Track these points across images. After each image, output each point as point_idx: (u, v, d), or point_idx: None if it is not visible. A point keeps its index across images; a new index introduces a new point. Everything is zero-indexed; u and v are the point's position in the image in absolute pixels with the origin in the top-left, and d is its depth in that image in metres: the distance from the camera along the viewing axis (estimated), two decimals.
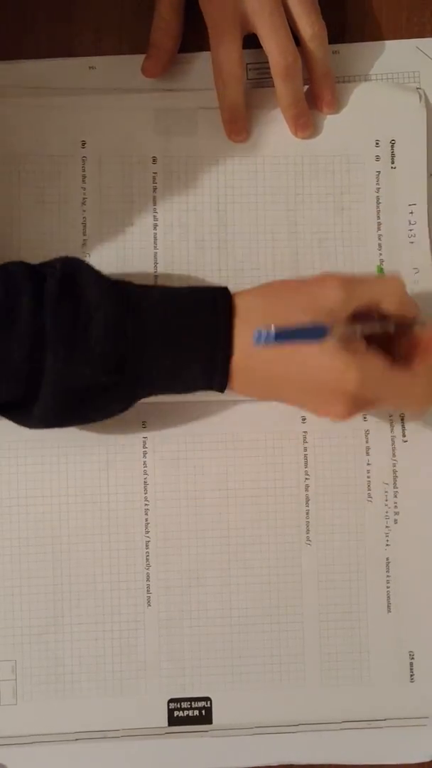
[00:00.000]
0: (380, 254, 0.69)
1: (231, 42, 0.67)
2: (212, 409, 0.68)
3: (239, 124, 0.69)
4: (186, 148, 0.69)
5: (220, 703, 0.67)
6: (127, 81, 0.70)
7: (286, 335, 0.55)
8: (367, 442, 0.68)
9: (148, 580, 0.66)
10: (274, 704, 0.67)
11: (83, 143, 0.69)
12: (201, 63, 0.70)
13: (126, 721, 0.66)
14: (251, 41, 0.68)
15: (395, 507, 0.67)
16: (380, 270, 0.69)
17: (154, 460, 0.67)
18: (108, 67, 0.70)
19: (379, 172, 0.70)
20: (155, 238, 0.69)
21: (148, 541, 0.66)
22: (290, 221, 0.69)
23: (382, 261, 0.70)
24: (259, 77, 0.70)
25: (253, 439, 0.68)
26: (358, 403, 0.60)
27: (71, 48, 0.71)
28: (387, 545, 0.67)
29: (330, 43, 0.69)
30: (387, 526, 0.67)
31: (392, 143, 0.70)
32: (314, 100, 0.69)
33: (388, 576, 0.67)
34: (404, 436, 0.68)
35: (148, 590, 0.66)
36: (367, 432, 0.68)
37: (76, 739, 0.66)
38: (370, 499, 0.67)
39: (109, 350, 0.59)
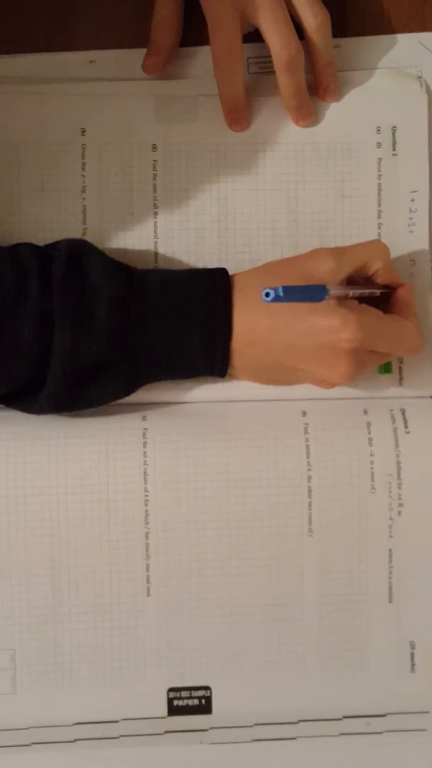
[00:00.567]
0: None
1: (230, 32, 0.66)
2: (213, 405, 0.69)
3: (239, 115, 0.69)
4: (186, 135, 0.69)
5: (219, 692, 0.66)
6: (127, 75, 0.70)
7: (291, 294, 0.59)
8: (369, 433, 0.68)
9: (147, 570, 0.66)
10: (274, 694, 0.67)
11: (83, 131, 0.69)
12: (201, 56, 0.70)
13: (125, 711, 0.66)
14: (252, 35, 0.68)
15: (399, 498, 0.67)
16: None
17: (155, 450, 0.66)
18: (108, 62, 0.70)
19: (380, 158, 0.70)
20: (155, 226, 0.69)
21: (148, 532, 0.66)
22: (291, 209, 0.69)
23: None
24: (261, 71, 0.70)
25: (254, 431, 0.67)
26: (358, 357, 0.64)
27: (71, 44, 0.71)
28: (390, 536, 0.67)
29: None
30: (391, 518, 0.67)
31: (393, 130, 0.70)
32: (316, 89, 0.69)
33: (390, 567, 0.67)
34: (406, 427, 0.68)
35: (147, 580, 0.66)
36: (369, 424, 0.68)
37: (75, 740, 0.66)
38: (373, 490, 0.67)
39: (113, 327, 0.63)
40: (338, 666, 0.67)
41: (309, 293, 0.61)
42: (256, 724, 0.67)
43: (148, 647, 0.66)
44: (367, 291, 0.66)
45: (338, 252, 0.65)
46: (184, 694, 0.66)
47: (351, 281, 0.66)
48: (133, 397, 0.67)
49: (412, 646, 0.67)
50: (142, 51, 0.69)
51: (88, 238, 0.68)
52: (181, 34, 0.70)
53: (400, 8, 0.72)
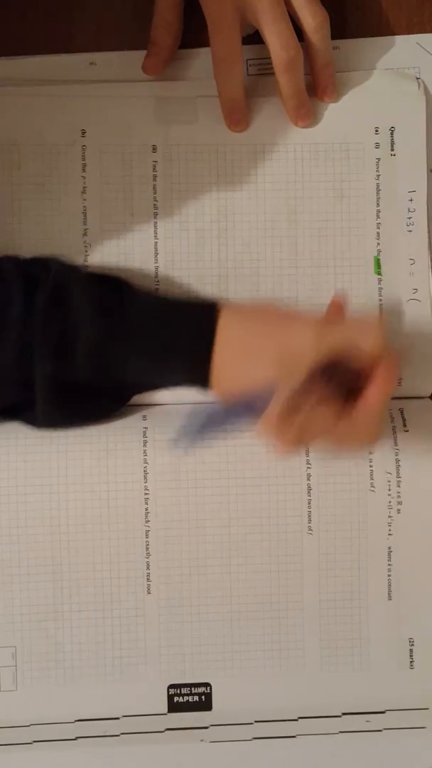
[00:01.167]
0: (378, 243, 0.70)
1: (230, 34, 0.67)
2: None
3: (239, 115, 0.69)
4: (186, 136, 0.69)
5: (219, 688, 0.67)
6: (128, 77, 0.70)
7: (211, 427, 0.59)
8: None
9: (148, 568, 0.66)
10: (274, 690, 0.67)
11: (83, 132, 0.69)
12: (201, 57, 0.70)
13: (126, 708, 0.67)
14: (251, 37, 0.68)
15: (398, 497, 0.67)
16: (377, 262, 0.70)
17: (155, 449, 0.66)
18: (108, 63, 0.70)
19: (378, 159, 0.70)
20: (155, 227, 0.69)
21: (148, 530, 0.66)
22: (290, 209, 0.70)
23: (379, 251, 0.70)
24: (260, 73, 0.70)
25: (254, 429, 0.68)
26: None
27: (72, 45, 0.71)
28: (389, 534, 0.67)
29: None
30: (390, 516, 0.67)
31: (392, 130, 0.70)
32: (315, 89, 0.70)
33: (389, 564, 0.67)
34: (405, 426, 0.68)
35: (148, 578, 0.66)
36: None
37: (77, 737, 0.66)
38: (372, 488, 0.67)
39: (93, 363, 0.63)
40: (338, 663, 0.67)
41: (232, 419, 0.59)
42: (256, 721, 0.67)
43: (148, 644, 0.66)
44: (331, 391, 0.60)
45: (323, 329, 0.61)
46: (185, 690, 0.67)
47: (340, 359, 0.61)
48: (133, 398, 0.68)
49: (411, 643, 0.67)
50: (143, 52, 0.69)
51: (88, 238, 0.69)
52: (181, 35, 0.70)
53: (399, 10, 0.72)
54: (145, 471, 0.66)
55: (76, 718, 0.66)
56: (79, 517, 0.66)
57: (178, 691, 0.67)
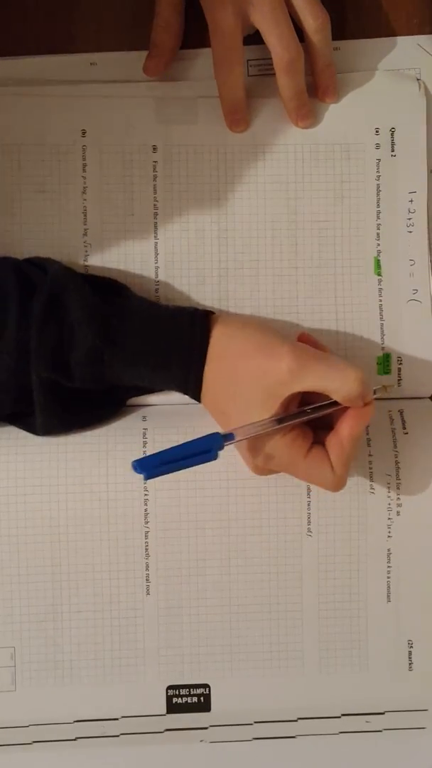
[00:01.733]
0: (378, 244, 0.70)
1: (231, 35, 0.66)
2: None
3: (239, 116, 0.69)
4: (186, 136, 0.69)
5: (218, 690, 0.67)
6: (128, 77, 0.70)
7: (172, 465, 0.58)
8: (367, 434, 0.68)
9: (147, 569, 0.66)
10: (273, 692, 0.67)
11: (83, 132, 0.69)
12: (202, 58, 0.70)
13: (125, 709, 0.67)
14: (251, 38, 0.68)
15: (398, 499, 0.67)
16: (377, 262, 0.70)
17: (155, 449, 0.66)
18: (109, 64, 0.70)
19: (379, 160, 0.70)
20: (155, 227, 0.69)
21: (148, 532, 0.66)
22: (290, 210, 0.70)
23: (379, 252, 0.70)
24: (260, 74, 0.70)
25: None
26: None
27: (72, 46, 0.71)
28: (389, 536, 0.67)
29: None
30: (389, 518, 0.67)
31: (392, 131, 0.70)
32: (315, 90, 0.70)
33: (389, 566, 0.67)
34: (404, 428, 0.68)
35: (147, 579, 0.66)
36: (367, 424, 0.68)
37: (76, 738, 0.66)
38: (372, 490, 0.67)
39: (88, 372, 0.64)
40: (337, 664, 0.67)
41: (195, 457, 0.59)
42: (256, 722, 0.67)
43: (147, 645, 0.66)
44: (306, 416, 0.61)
45: (303, 365, 0.60)
46: (183, 691, 0.66)
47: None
48: (133, 399, 0.68)
49: (410, 644, 0.67)
50: (143, 53, 0.69)
51: (89, 238, 0.69)
52: (182, 36, 0.70)
53: (399, 11, 0.72)
54: None
55: (75, 719, 0.66)
56: (79, 518, 0.66)
57: (177, 692, 0.67)
